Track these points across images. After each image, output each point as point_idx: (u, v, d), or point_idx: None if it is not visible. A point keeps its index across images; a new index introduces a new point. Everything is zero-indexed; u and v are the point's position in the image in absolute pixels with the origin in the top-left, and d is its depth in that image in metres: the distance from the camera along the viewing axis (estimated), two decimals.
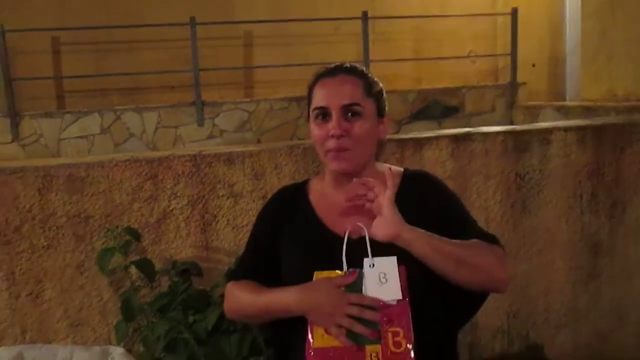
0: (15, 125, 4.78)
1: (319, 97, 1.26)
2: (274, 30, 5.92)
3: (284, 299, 1.20)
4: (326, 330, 1.13)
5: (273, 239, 1.33)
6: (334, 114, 1.23)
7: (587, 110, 4.73)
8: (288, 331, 1.23)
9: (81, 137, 4.91)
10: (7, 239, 2.13)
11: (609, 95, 5.04)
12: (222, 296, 2.05)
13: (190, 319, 1.99)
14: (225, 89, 5.84)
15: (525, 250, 2.60)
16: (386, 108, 1.33)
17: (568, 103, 5.68)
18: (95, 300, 2.23)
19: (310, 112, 1.29)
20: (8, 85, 4.70)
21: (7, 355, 2.10)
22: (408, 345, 1.09)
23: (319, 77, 1.29)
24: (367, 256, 1.17)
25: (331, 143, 1.23)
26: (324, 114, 1.25)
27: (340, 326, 1.12)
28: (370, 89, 1.27)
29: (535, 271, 2.63)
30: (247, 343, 1.90)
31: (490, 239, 1.25)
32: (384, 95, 1.33)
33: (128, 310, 2.05)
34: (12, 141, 4.78)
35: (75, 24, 5.28)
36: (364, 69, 1.32)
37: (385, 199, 1.19)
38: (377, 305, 1.12)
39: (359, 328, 1.11)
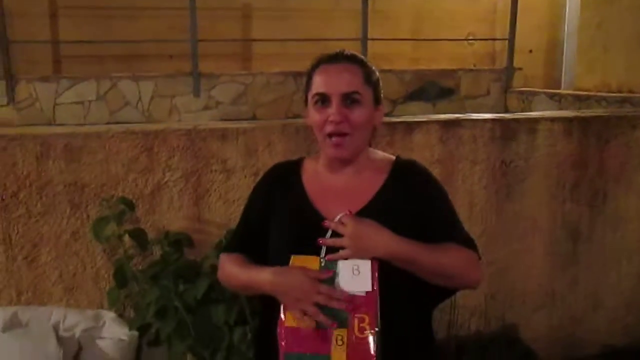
0: (11, 88, 4.77)
1: (320, 83, 1.29)
2: (273, 4, 5.90)
3: (260, 279, 1.28)
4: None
5: (264, 215, 1.38)
6: (334, 101, 1.27)
7: (579, 100, 4.79)
8: (271, 306, 1.30)
9: (77, 102, 4.91)
10: (4, 204, 2.19)
11: (602, 85, 5.09)
12: (211, 267, 2.14)
13: (181, 287, 2.07)
14: (223, 60, 5.84)
15: (507, 235, 2.69)
16: (382, 95, 1.37)
17: (562, 91, 5.72)
18: (89, 266, 2.30)
19: (310, 97, 1.32)
20: (5, 48, 4.68)
21: (2, 315, 2.19)
22: (371, 331, 1.17)
23: (319, 63, 1.32)
24: None
25: (329, 127, 1.28)
26: (323, 99, 1.28)
27: (305, 312, 1.19)
28: (369, 78, 1.32)
29: (515, 255, 2.73)
30: (233, 313, 1.98)
31: (468, 243, 1.32)
32: (380, 83, 1.37)
33: (121, 277, 2.12)
34: (8, 104, 4.78)
35: None
36: (363, 57, 1.36)
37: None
38: (346, 300, 1.19)
39: (322, 317, 1.17)
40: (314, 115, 1.31)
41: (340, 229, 1.24)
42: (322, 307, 1.19)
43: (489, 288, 2.72)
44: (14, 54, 4.91)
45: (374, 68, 1.35)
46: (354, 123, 1.28)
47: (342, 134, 1.27)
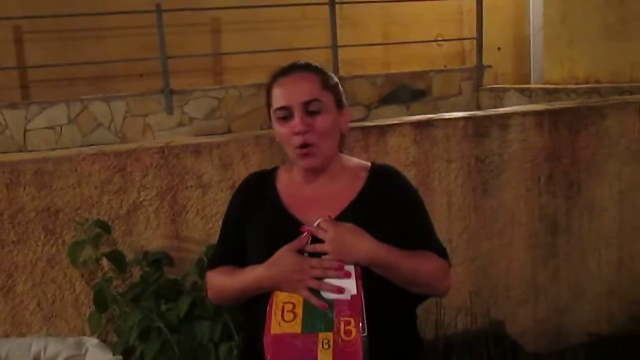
0: None
1: (279, 97, 1.30)
2: (242, 16, 5.92)
3: (254, 276, 1.27)
4: (283, 318, 1.20)
5: (242, 225, 1.38)
6: (296, 112, 1.27)
7: (549, 93, 4.88)
8: (256, 319, 1.30)
9: (48, 127, 4.86)
10: None
11: (570, 77, 5.20)
12: (193, 284, 2.12)
13: (163, 307, 2.04)
14: (194, 76, 5.82)
15: (486, 231, 2.71)
16: (344, 99, 1.37)
17: (531, 86, 5.83)
18: (67, 292, 2.25)
19: (272, 112, 1.33)
20: None
21: None
22: (358, 333, 1.17)
23: (275, 78, 1.33)
24: None
25: (296, 140, 1.28)
26: (285, 113, 1.29)
27: (310, 289, 1.20)
28: (327, 83, 1.32)
29: (496, 251, 2.75)
30: (218, 329, 1.96)
31: (440, 252, 1.35)
32: (340, 87, 1.37)
33: (101, 301, 2.08)
34: None
35: (39, 12, 5.19)
36: (318, 64, 1.36)
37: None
38: (337, 265, 1.21)
39: (325, 286, 1.20)
40: (279, 130, 1.31)
41: (321, 234, 1.24)
42: (308, 313, 1.19)
43: (472, 285, 2.74)
44: None
45: (330, 73, 1.36)
46: (319, 131, 1.28)
47: (309, 144, 1.28)
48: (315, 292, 1.22)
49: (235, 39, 6.01)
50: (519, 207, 2.75)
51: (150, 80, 5.38)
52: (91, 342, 2.23)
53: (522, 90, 5.30)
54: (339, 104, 1.34)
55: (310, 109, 1.27)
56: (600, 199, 2.88)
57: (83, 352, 2.19)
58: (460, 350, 2.54)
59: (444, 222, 2.61)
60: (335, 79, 1.36)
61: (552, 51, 5.44)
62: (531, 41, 6.80)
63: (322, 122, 1.28)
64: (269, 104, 1.34)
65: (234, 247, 1.39)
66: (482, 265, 2.74)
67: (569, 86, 4.83)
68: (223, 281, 1.36)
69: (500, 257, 2.77)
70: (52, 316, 2.25)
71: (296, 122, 1.26)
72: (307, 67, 1.33)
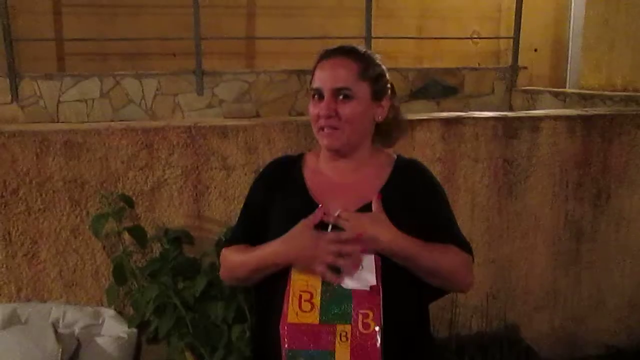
0: (15, 86, 4.78)
1: (316, 78, 1.32)
2: (278, 1, 5.89)
3: (270, 253, 1.27)
4: (300, 308, 1.19)
5: (264, 207, 1.38)
6: (326, 95, 1.29)
7: (584, 98, 4.76)
8: (268, 303, 1.30)
9: (80, 100, 4.92)
10: (4, 201, 2.19)
11: (607, 84, 5.06)
12: (211, 264, 2.14)
13: (180, 285, 2.07)
14: (227, 58, 5.83)
15: (509, 233, 2.67)
16: (388, 90, 1.36)
17: (566, 90, 5.69)
18: (88, 263, 2.30)
19: (311, 92, 1.35)
20: (9, 45, 4.69)
21: (2, 311, 2.19)
22: (376, 327, 1.16)
23: (320, 59, 1.34)
24: None
25: (322, 122, 1.30)
26: (319, 94, 1.31)
27: (326, 265, 1.19)
28: (366, 73, 1.31)
29: (517, 254, 2.71)
30: (232, 310, 1.98)
31: (463, 246, 1.33)
32: (385, 77, 1.36)
33: (120, 274, 2.12)
34: (12, 102, 4.79)
35: None
36: (365, 50, 1.35)
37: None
38: (355, 235, 1.20)
39: (341, 262, 1.19)
40: (310, 108, 1.33)
41: (342, 223, 1.23)
42: (326, 303, 1.18)
43: (490, 287, 2.71)
44: (18, 52, 4.92)
45: (376, 61, 1.35)
46: (344, 117, 1.29)
47: (332, 127, 1.29)
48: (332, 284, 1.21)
49: (269, 23, 5.99)
50: (544, 212, 2.70)
51: (183, 60, 5.40)
52: (108, 313, 2.28)
53: (556, 94, 5.18)
54: (377, 95, 1.33)
55: (340, 96, 1.29)
56: (629, 209, 2.81)
57: (100, 322, 2.24)
58: (473, 352, 2.52)
59: (467, 222, 2.58)
60: (380, 69, 1.34)
61: (590, 55, 5.30)
62: (570, 44, 6.64)
63: (349, 110, 1.28)
64: (310, 82, 1.36)
65: (252, 228, 1.39)
66: (502, 267, 2.71)
67: (605, 93, 4.70)
68: (238, 257, 1.35)
69: (521, 260, 2.73)
70: (72, 285, 2.30)
71: (323, 105, 1.29)
72: (350, 52, 1.32)
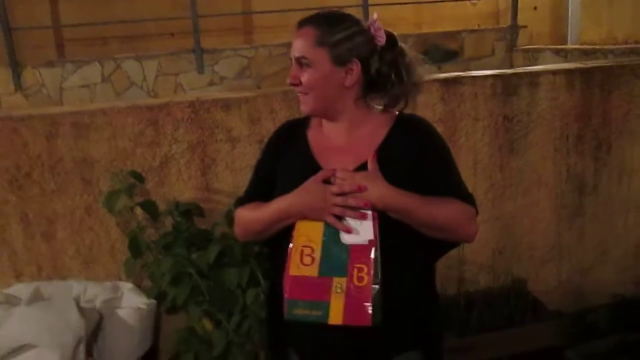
0: (17, 76, 4.82)
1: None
2: None
3: (283, 205, 1.34)
4: (302, 261, 1.27)
5: (272, 169, 1.45)
6: (293, 64, 1.36)
7: (585, 54, 4.73)
8: (278, 263, 1.36)
9: (83, 86, 4.96)
10: (19, 184, 2.26)
11: (608, 38, 5.03)
12: (222, 234, 2.20)
13: (193, 255, 2.14)
14: (225, 35, 5.83)
15: (512, 190, 2.72)
16: (352, 53, 1.32)
17: (567, 46, 5.65)
18: (104, 240, 2.37)
19: None
20: (8, 35, 4.71)
21: (25, 290, 2.28)
22: (370, 280, 1.23)
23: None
24: None
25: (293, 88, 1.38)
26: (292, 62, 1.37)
27: (334, 216, 1.27)
28: (324, 38, 1.31)
29: (521, 210, 2.76)
30: (245, 275, 2.05)
31: (466, 197, 1.36)
32: (352, 40, 1.32)
33: (135, 248, 2.19)
34: (16, 91, 4.84)
35: None
36: (335, 14, 1.36)
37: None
38: (356, 187, 1.26)
39: (350, 213, 1.27)
40: None
41: (339, 182, 1.28)
42: (325, 258, 1.25)
43: (496, 244, 2.76)
44: (17, 41, 4.94)
45: (344, 24, 1.33)
46: (305, 84, 1.34)
47: (301, 94, 1.36)
48: (335, 233, 1.28)
49: None
50: (546, 167, 2.74)
51: (182, 39, 5.41)
52: (127, 286, 2.37)
53: (557, 51, 5.15)
54: (338, 60, 1.32)
55: (300, 63, 1.34)
56: (630, 160, 2.84)
57: (119, 295, 2.32)
58: (481, 306, 2.59)
59: (470, 180, 2.62)
60: (344, 33, 1.32)
61: (590, 11, 5.26)
62: (569, 0, 6.56)
63: (307, 76, 1.33)
64: None
65: (263, 188, 1.45)
66: (507, 223, 2.76)
67: (606, 47, 4.67)
68: (252, 214, 1.42)
69: (525, 216, 2.78)
70: (90, 261, 2.38)
71: (290, 73, 1.35)
72: (313, 19, 1.35)
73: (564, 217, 2.82)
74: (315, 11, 1.40)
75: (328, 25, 1.34)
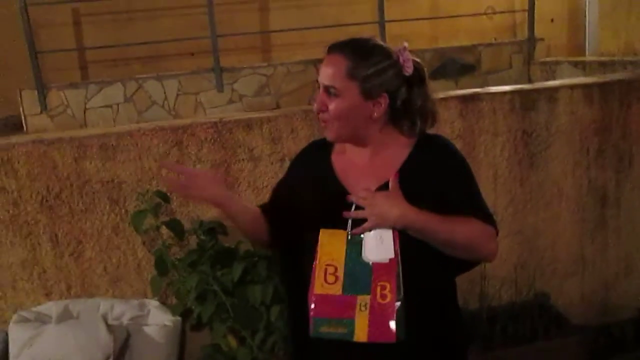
0: (43, 97, 4.96)
1: (319, 72, 1.38)
2: None
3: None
4: (326, 280, 1.30)
5: (292, 185, 1.49)
6: (320, 90, 1.36)
7: (604, 65, 4.71)
8: (299, 277, 1.39)
9: (106, 106, 5.07)
10: (49, 205, 2.33)
11: (627, 49, 5.00)
12: (246, 252, 2.24)
13: (218, 272, 2.18)
14: (244, 53, 5.92)
15: (533, 204, 2.72)
16: (382, 88, 1.33)
17: (585, 58, 5.63)
18: (130, 258, 2.43)
19: None
20: (34, 58, 4.85)
21: (55, 308, 2.33)
22: (393, 297, 1.26)
23: (325, 52, 1.38)
24: None
25: (317, 114, 1.39)
26: (319, 87, 1.38)
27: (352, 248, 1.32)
28: (355, 72, 1.32)
29: (542, 224, 2.75)
30: (269, 292, 2.08)
31: (486, 217, 1.38)
32: (383, 74, 1.33)
33: (161, 266, 2.24)
34: (41, 112, 4.97)
35: None
36: (367, 43, 1.35)
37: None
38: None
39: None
40: None
41: (361, 202, 1.32)
42: (348, 276, 1.28)
43: (518, 258, 2.76)
44: (43, 63, 5.08)
45: (374, 57, 1.33)
46: (332, 113, 1.35)
47: (323, 120, 1.38)
48: (357, 252, 1.30)
49: (283, 15, 6.05)
50: (566, 181, 2.74)
51: (201, 58, 5.51)
52: (153, 304, 2.41)
53: (575, 63, 5.13)
54: (368, 94, 1.34)
55: (329, 92, 1.35)
56: None
57: (146, 312, 2.37)
58: (504, 321, 2.58)
59: (490, 195, 2.63)
60: (374, 69, 1.32)
61: (608, 21, 5.24)
62: (587, 11, 6.54)
63: (334, 105, 1.34)
64: None
65: (276, 204, 1.51)
66: (528, 238, 2.75)
67: (626, 58, 4.65)
68: None
69: (547, 230, 2.77)
70: (118, 280, 2.43)
71: (316, 99, 1.37)
72: (345, 48, 1.34)
73: (586, 231, 2.81)
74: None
75: (360, 57, 1.33)
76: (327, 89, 1.34)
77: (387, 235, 1.30)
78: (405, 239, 1.31)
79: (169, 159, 2.36)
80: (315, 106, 1.37)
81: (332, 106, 1.35)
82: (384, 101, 1.35)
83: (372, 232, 1.31)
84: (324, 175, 1.44)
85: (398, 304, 1.26)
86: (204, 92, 5.13)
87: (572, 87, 2.67)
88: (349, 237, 1.33)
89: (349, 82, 1.33)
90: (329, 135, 1.40)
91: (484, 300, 2.68)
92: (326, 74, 1.34)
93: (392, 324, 1.25)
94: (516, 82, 5.38)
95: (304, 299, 1.33)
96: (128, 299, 2.44)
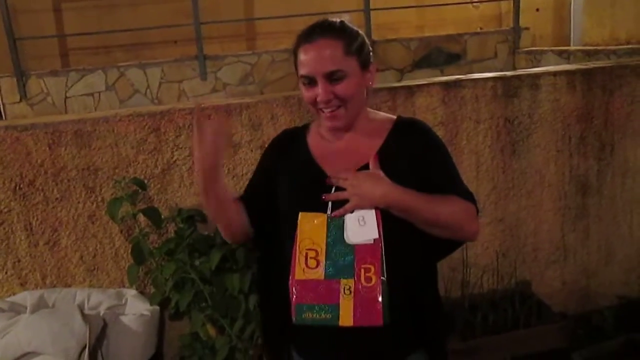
0: (22, 85, 4.87)
1: (303, 65, 1.30)
2: None
3: None
4: (307, 265, 1.27)
5: (271, 174, 1.45)
6: (319, 81, 1.29)
7: (588, 54, 4.72)
8: (276, 261, 1.38)
9: (87, 94, 4.99)
10: (22, 192, 2.28)
11: (611, 38, 5.02)
12: (224, 240, 2.20)
13: (196, 261, 2.15)
14: (228, 41, 5.86)
15: (515, 192, 2.71)
16: (370, 56, 1.36)
17: (570, 47, 5.64)
18: (107, 247, 2.38)
19: (299, 77, 1.34)
20: (13, 44, 4.76)
21: (30, 298, 2.29)
22: (377, 280, 1.23)
23: (300, 42, 1.32)
24: None
25: (321, 105, 1.31)
26: (310, 80, 1.30)
27: (335, 231, 1.29)
28: (350, 47, 1.30)
29: (524, 212, 2.75)
30: (247, 281, 2.05)
31: (467, 196, 1.36)
32: (366, 44, 1.35)
33: (138, 255, 2.20)
34: (21, 100, 4.88)
35: None
36: (342, 22, 1.33)
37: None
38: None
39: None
40: (305, 94, 1.34)
41: (341, 183, 1.29)
42: (330, 260, 1.25)
43: (500, 246, 2.76)
44: (22, 50, 4.99)
45: (354, 31, 1.33)
46: (342, 96, 1.30)
47: (335, 108, 1.31)
48: (339, 235, 1.27)
49: (268, 3, 5.99)
50: (548, 169, 2.74)
51: (185, 46, 5.44)
52: (130, 293, 2.38)
53: (560, 53, 5.14)
54: (364, 65, 1.34)
55: (333, 78, 1.29)
56: (633, 160, 2.83)
57: (123, 302, 2.33)
58: (485, 309, 2.58)
59: (472, 183, 2.63)
60: (360, 38, 1.34)
61: (593, 11, 5.25)
62: (572, 1, 6.55)
63: (345, 88, 1.29)
64: (296, 68, 1.36)
65: (255, 192, 1.47)
66: (510, 226, 2.75)
67: (609, 47, 4.66)
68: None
69: (529, 218, 2.77)
70: (94, 269, 2.39)
71: (319, 92, 1.29)
72: (330, 30, 1.31)
73: (567, 219, 2.81)
74: (317, 16, 1.40)
75: (344, 33, 1.31)
76: (329, 75, 1.28)
77: (370, 216, 1.27)
78: (387, 220, 1.28)
79: (146, 146, 2.31)
80: (320, 98, 1.29)
81: (341, 90, 1.29)
82: (373, 68, 1.37)
83: (354, 213, 1.28)
84: (302, 159, 1.42)
85: (384, 287, 1.24)
86: (187, 81, 5.06)
87: (554, 74, 2.66)
88: (329, 220, 1.30)
89: (349, 59, 1.30)
90: (340, 123, 1.34)
91: (466, 289, 2.67)
92: (324, 61, 1.28)
93: (379, 307, 1.23)
94: (501, 71, 5.38)
95: (284, 286, 1.30)
96: (105, 288, 2.40)
